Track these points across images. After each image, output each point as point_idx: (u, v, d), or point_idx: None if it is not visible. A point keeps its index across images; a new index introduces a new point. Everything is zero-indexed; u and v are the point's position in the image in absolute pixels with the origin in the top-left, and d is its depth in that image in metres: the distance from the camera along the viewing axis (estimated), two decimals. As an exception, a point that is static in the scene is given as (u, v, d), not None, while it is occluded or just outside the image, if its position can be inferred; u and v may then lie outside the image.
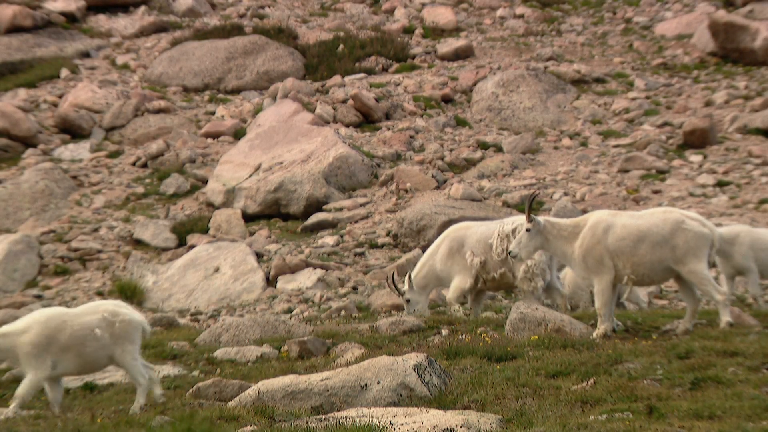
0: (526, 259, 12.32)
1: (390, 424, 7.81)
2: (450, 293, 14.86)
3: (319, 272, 20.41)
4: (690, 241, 11.35)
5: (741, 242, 13.87)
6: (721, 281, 14.14)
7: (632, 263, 11.44)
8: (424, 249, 15.61)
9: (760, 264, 13.98)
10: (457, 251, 14.65)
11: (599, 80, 29.65)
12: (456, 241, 14.72)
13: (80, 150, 27.68)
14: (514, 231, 14.35)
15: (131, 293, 21.08)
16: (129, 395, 10.28)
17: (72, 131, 28.50)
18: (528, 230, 11.78)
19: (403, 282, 15.10)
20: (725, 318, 11.40)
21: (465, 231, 14.86)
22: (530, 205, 11.93)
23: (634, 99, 28.32)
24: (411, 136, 26.73)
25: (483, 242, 14.56)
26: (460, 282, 14.63)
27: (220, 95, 30.62)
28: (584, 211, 21.50)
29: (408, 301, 14.95)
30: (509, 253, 12.13)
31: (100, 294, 21.26)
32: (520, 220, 14.65)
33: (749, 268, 13.92)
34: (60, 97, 29.94)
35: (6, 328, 10.01)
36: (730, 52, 30.19)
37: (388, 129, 27.28)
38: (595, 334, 11.41)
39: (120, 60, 32.72)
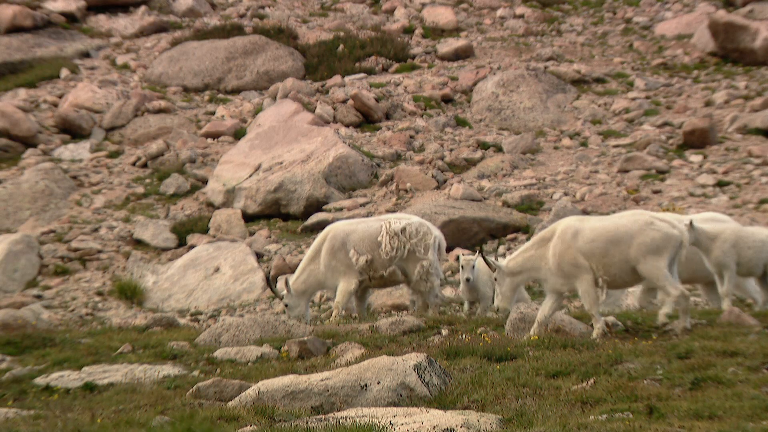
0: (511, 307, 12.32)
1: (390, 424, 7.82)
2: (337, 297, 14.90)
3: (319, 272, 20.39)
4: (657, 239, 11.47)
5: (724, 240, 13.90)
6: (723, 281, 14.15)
7: (604, 264, 11.55)
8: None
9: (745, 263, 14.01)
10: (339, 250, 14.69)
11: (599, 80, 29.65)
12: (337, 240, 14.77)
13: (80, 150, 27.68)
14: (403, 230, 14.56)
15: (131, 293, 21.09)
16: (129, 395, 10.28)
17: (72, 131, 28.50)
18: (496, 279, 11.86)
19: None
20: (665, 309, 11.46)
21: (345, 229, 14.92)
22: (484, 257, 12.01)
23: (634, 99, 28.32)
24: (411, 136, 26.73)
25: (367, 240, 14.65)
26: (345, 285, 14.72)
27: (220, 95, 30.62)
28: (584, 211, 21.52)
29: (287, 305, 14.93)
30: (497, 311, 12.19)
31: (100, 294, 21.28)
32: (405, 218, 14.92)
33: (727, 266, 13.94)
34: (60, 97, 29.94)
35: None
36: (730, 52, 30.19)
37: (388, 129, 27.29)
38: (594, 335, 11.45)
39: (120, 60, 32.72)
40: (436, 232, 14.93)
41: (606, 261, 11.55)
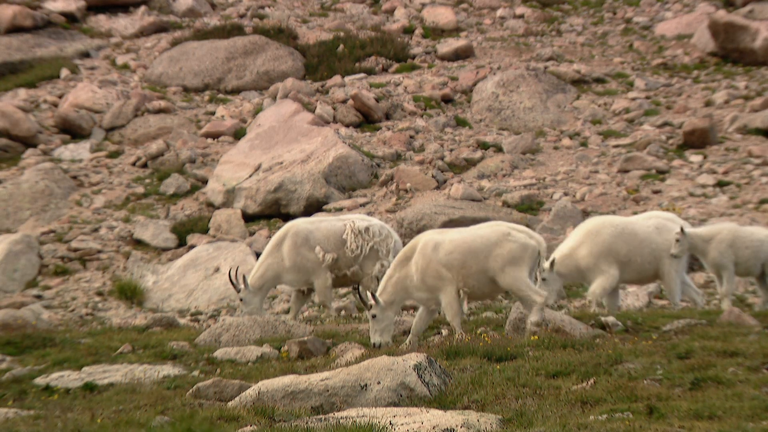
0: (389, 337, 12.21)
1: (390, 424, 7.82)
2: (319, 297, 15.08)
3: (319, 272, 20.40)
4: (514, 251, 11.62)
5: (720, 240, 13.94)
6: (720, 281, 14.19)
7: (463, 275, 11.72)
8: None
9: (743, 262, 14.03)
10: (303, 245, 14.83)
11: (599, 80, 29.64)
12: (299, 237, 14.92)
13: (80, 150, 27.67)
14: (367, 229, 14.72)
15: (131, 293, 21.09)
16: (129, 395, 10.28)
17: (72, 131, 28.50)
18: (374, 316, 11.85)
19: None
20: (533, 317, 11.56)
21: (307, 227, 15.13)
22: (360, 296, 12.02)
23: (634, 99, 28.31)
24: (411, 136, 26.73)
25: (332, 238, 14.86)
26: (321, 282, 14.95)
27: (220, 95, 30.62)
28: (584, 211, 21.52)
29: (242, 300, 15.01)
30: (379, 346, 12.05)
31: (100, 294, 21.27)
32: (366, 219, 15.11)
33: (724, 266, 13.98)
34: (60, 97, 29.93)
35: None
36: (730, 52, 30.18)
37: (388, 129, 27.28)
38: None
39: (120, 60, 32.72)
40: (396, 237, 15.26)
41: (464, 272, 11.73)
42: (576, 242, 14.05)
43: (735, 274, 14.18)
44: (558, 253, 14.01)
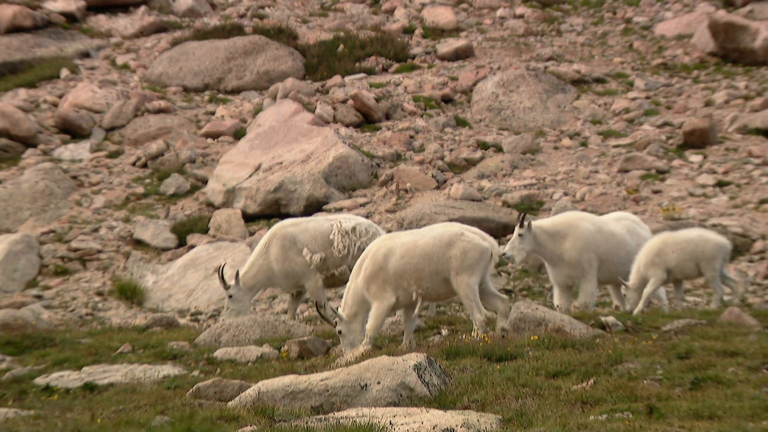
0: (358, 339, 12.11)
1: (390, 424, 7.82)
2: (313, 298, 15.08)
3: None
4: (468, 251, 11.60)
5: (647, 253, 14.03)
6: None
7: (416, 278, 11.67)
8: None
9: (674, 267, 14.05)
10: (290, 248, 14.81)
11: (599, 80, 29.64)
12: (287, 239, 14.88)
13: (80, 150, 27.67)
14: (353, 229, 14.79)
15: (131, 293, 21.09)
16: (129, 395, 10.28)
17: (72, 131, 28.50)
18: (340, 332, 11.76)
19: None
20: (475, 334, 11.56)
21: (294, 228, 15.06)
22: (321, 313, 11.96)
23: (634, 99, 28.31)
24: (411, 136, 26.73)
25: (319, 239, 14.85)
26: (313, 284, 14.99)
27: (220, 95, 30.62)
28: (584, 211, 21.51)
29: (231, 297, 14.94)
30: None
31: (100, 294, 21.28)
32: (354, 218, 15.21)
33: (651, 274, 14.02)
34: (60, 97, 29.93)
35: None
36: (730, 52, 30.18)
37: (388, 129, 27.28)
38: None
39: (120, 60, 32.72)
40: (384, 234, 15.15)
41: (418, 275, 11.67)
42: (560, 230, 14.15)
43: (673, 279, 14.26)
44: (540, 223, 14.18)
